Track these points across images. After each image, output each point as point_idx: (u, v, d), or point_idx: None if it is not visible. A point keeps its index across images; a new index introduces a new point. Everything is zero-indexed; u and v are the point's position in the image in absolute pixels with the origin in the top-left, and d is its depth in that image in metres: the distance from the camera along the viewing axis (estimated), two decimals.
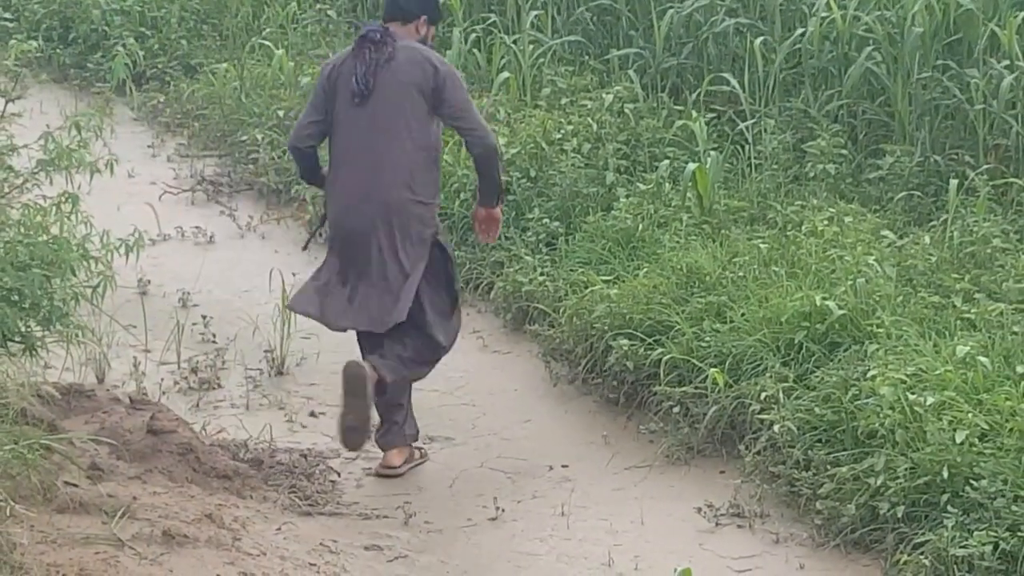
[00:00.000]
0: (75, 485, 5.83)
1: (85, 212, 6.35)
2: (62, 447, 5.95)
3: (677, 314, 7.06)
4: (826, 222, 7.66)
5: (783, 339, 6.71)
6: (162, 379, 7.35)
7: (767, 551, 5.95)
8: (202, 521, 5.85)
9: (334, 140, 6.72)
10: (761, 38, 9.31)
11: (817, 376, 6.44)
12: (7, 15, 12.99)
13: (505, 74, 9.94)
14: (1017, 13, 8.26)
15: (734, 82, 9.15)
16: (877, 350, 6.37)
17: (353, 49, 6.82)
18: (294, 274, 8.30)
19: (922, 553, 5.52)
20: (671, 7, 9.78)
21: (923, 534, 5.58)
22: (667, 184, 8.37)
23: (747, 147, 8.71)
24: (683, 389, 6.76)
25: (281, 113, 10.39)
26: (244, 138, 10.43)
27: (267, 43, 11.61)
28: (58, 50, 12.48)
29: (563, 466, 6.66)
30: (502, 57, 10.31)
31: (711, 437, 6.65)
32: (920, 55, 8.62)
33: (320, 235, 7.34)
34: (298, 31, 11.89)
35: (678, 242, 7.71)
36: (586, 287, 7.46)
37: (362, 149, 6.63)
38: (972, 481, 5.57)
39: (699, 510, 6.22)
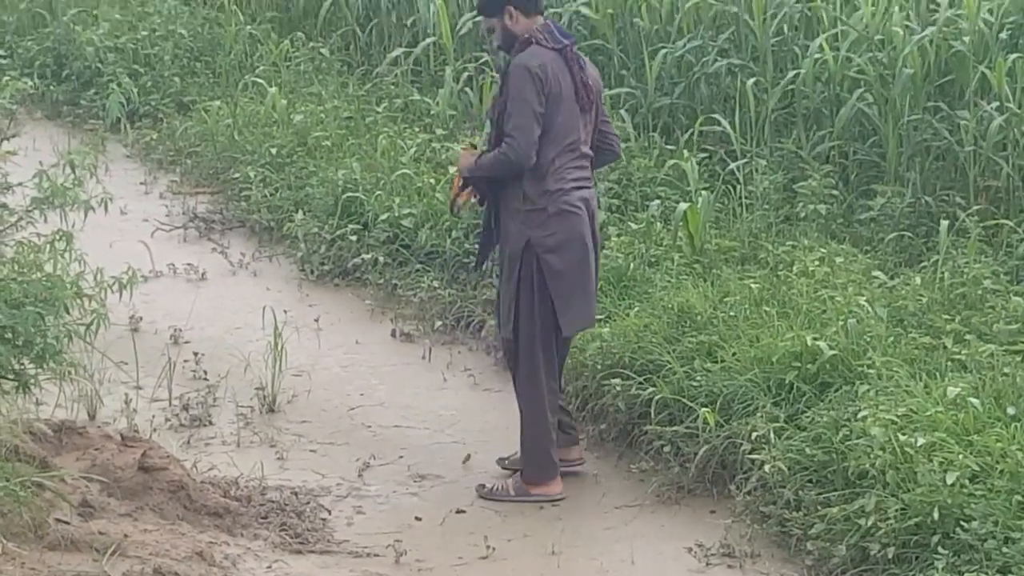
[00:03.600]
0: (66, 522, 5.83)
1: (79, 250, 6.36)
2: (53, 484, 5.96)
3: (668, 353, 7.05)
4: (817, 262, 7.68)
5: (774, 379, 6.71)
6: (153, 416, 7.32)
7: None
8: (193, 559, 5.85)
9: (556, 148, 6.50)
10: (753, 79, 9.36)
11: (808, 416, 6.43)
12: (1, 52, 13.05)
13: None
14: (1007, 56, 8.31)
15: (725, 123, 9.21)
16: (868, 391, 6.37)
17: (561, 53, 6.58)
18: (286, 311, 8.39)
19: None
20: (663, 47, 9.84)
21: (914, 575, 5.60)
22: (658, 223, 8.41)
23: (738, 187, 8.72)
24: (674, 428, 6.74)
25: (274, 151, 10.43)
26: (236, 175, 10.43)
27: (260, 81, 11.68)
28: (52, 87, 12.54)
29: (553, 505, 6.63)
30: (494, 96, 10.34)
31: (702, 477, 6.63)
32: (911, 97, 8.65)
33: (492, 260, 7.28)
34: (291, 69, 11.94)
35: (669, 281, 7.72)
36: None
37: (586, 156, 6.65)
38: (963, 522, 5.55)
39: (690, 550, 6.20)
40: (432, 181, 9.41)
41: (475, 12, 6.84)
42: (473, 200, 6.91)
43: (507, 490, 6.69)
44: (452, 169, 6.93)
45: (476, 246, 7.08)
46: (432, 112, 10.66)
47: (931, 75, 8.76)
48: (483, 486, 6.72)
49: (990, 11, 8.68)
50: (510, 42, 6.58)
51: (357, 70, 12.00)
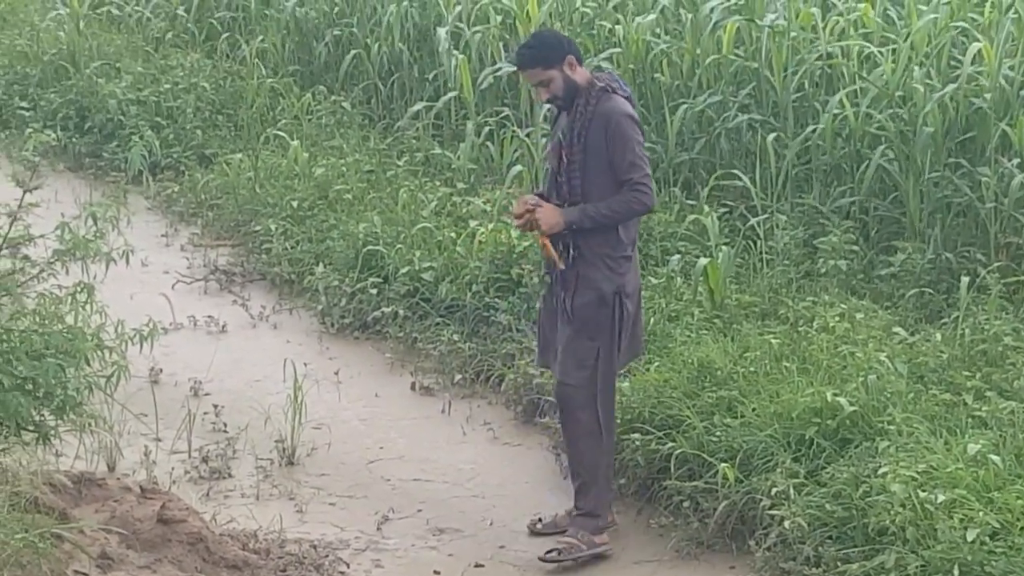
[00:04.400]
0: (85, 574, 5.85)
1: (100, 301, 6.39)
2: (72, 536, 5.97)
3: (688, 408, 7.04)
4: (837, 318, 7.67)
5: (794, 435, 6.69)
6: (173, 468, 7.33)
7: None
8: None
9: None
10: (773, 134, 9.37)
11: (828, 472, 6.41)
12: (24, 104, 13.13)
13: (518, 167, 9.99)
14: None
15: (745, 179, 9.21)
16: (888, 447, 6.35)
17: (629, 101, 6.77)
18: (306, 364, 8.40)
19: None
20: (684, 103, 9.86)
21: None
22: (678, 278, 8.42)
23: (759, 242, 8.73)
24: (693, 484, 6.73)
25: (295, 204, 10.44)
26: (257, 228, 10.46)
27: (282, 134, 11.72)
28: (74, 139, 12.56)
29: (561, 544, 6.60)
30: (515, 150, 10.39)
31: (721, 532, 6.61)
32: (932, 153, 8.66)
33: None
34: (312, 122, 11.98)
35: (689, 336, 7.72)
36: None
37: None
38: (986, 573, 5.57)
39: None
40: (452, 235, 9.42)
41: (527, 64, 6.59)
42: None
43: (578, 546, 6.54)
44: (515, 222, 6.73)
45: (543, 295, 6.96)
46: (453, 166, 10.70)
47: (952, 132, 8.78)
48: (550, 551, 6.56)
49: (1011, 68, 8.72)
50: (572, 91, 6.55)
51: (378, 123, 12.06)
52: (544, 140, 9.91)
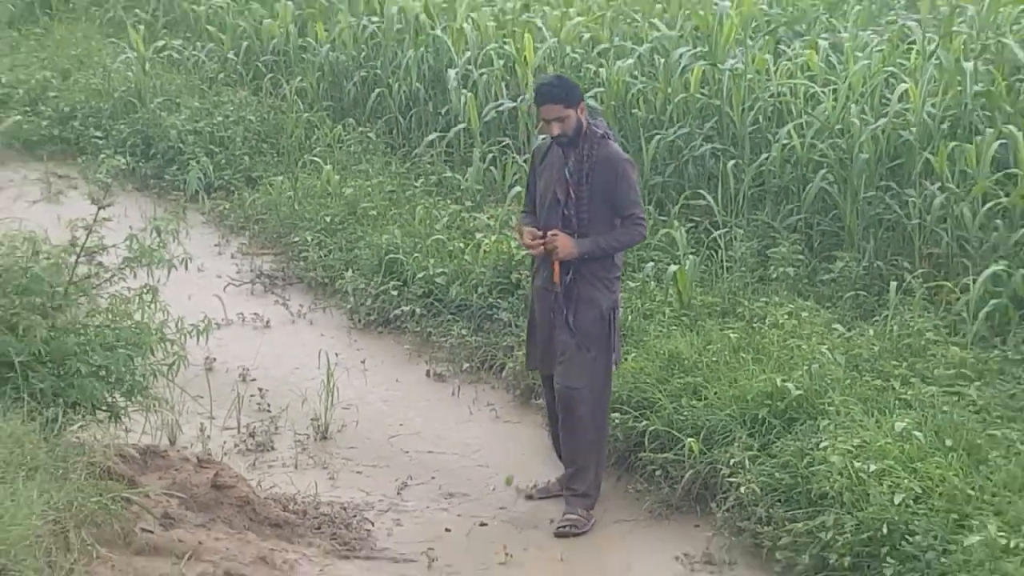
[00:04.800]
0: (150, 531, 5.86)
1: (162, 301, 6.43)
2: (139, 499, 5.97)
3: (660, 392, 7.08)
4: (786, 316, 7.71)
5: (749, 414, 6.73)
6: (224, 442, 7.36)
7: None
8: (257, 563, 5.87)
9: None
10: (732, 161, 9.39)
11: (777, 446, 6.46)
12: (98, 134, 13.10)
13: (517, 188, 9.95)
14: (947, 143, 8.34)
15: (709, 198, 9.22)
16: (828, 425, 6.40)
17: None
18: (337, 354, 8.42)
19: None
20: (657, 134, 9.85)
21: None
22: (652, 282, 8.44)
23: (720, 252, 8.74)
24: (664, 455, 6.78)
25: (328, 219, 10.44)
26: (296, 239, 10.43)
27: (316, 159, 11.66)
28: (140, 164, 12.51)
29: (566, 522, 6.60)
30: (514, 174, 10.38)
31: (687, 496, 6.67)
32: (866, 177, 8.69)
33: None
34: (343, 149, 11.93)
35: (661, 331, 7.73)
36: None
37: None
38: (907, 537, 5.59)
39: (677, 558, 6.26)
40: (461, 245, 9.43)
41: (551, 99, 6.56)
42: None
43: (581, 521, 6.57)
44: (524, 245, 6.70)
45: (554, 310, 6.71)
46: (462, 187, 10.66)
47: (883, 159, 8.80)
48: (568, 524, 6.53)
49: (933, 106, 8.71)
50: (579, 133, 6.51)
51: (399, 151, 11.99)
52: (525, 165, 10.10)
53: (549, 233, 6.45)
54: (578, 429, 6.64)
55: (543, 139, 7.01)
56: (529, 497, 6.87)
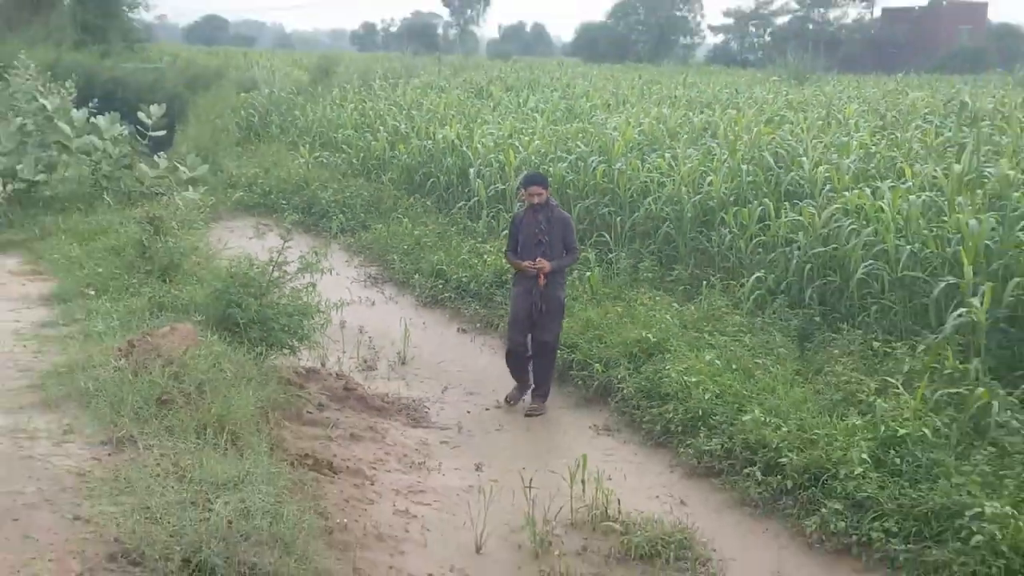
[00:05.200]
0: (311, 412, 5.89)
1: (318, 291, 6.45)
2: (304, 394, 6.02)
3: (580, 339, 7.08)
4: (647, 299, 7.71)
5: (628, 351, 6.72)
6: (351, 366, 7.32)
7: (620, 446, 5.99)
8: (367, 429, 5.91)
9: None
10: (619, 217, 9.38)
11: (643, 368, 6.46)
12: (283, 201, 13.05)
13: (504, 231, 9.80)
14: (733, 209, 8.37)
15: (607, 236, 9.25)
16: (670, 357, 6.42)
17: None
18: (409, 319, 8.33)
19: (689, 446, 5.57)
20: (580, 202, 9.82)
21: (692, 441, 5.60)
22: (577, 281, 8.36)
23: (613, 265, 8.72)
24: (583, 373, 6.79)
25: (405, 247, 10.36)
26: (388, 258, 10.38)
27: (399, 216, 11.65)
28: (305, 218, 12.35)
29: (533, 408, 6.60)
30: (503, 225, 10.26)
31: (595, 395, 6.67)
32: (690, 226, 8.69)
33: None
34: (413, 211, 11.88)
35: (582, 307, 7.71)
36: None
37: None
38: (712, 416, 5.64)
39: (590, 427, 6.27)
40: (475, 261, 9.31)
41: (537, 183, 6.51)
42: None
43: (542, 408, 6.51)
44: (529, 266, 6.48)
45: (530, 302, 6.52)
46: (476, 231, 10.62)
47: (698, 215, 8.79)
48: (534, 409, 6.45)
49: (725, 188, 8.77)
50: (546, 202, 6.44)
51: (443, 212, 11.90)
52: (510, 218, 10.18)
53: (538, 259, 6.40)
54: (548, 361, 6.57)
55: (519, 208, 6.90)
56: (506, 400, 6.71)
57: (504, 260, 7.65)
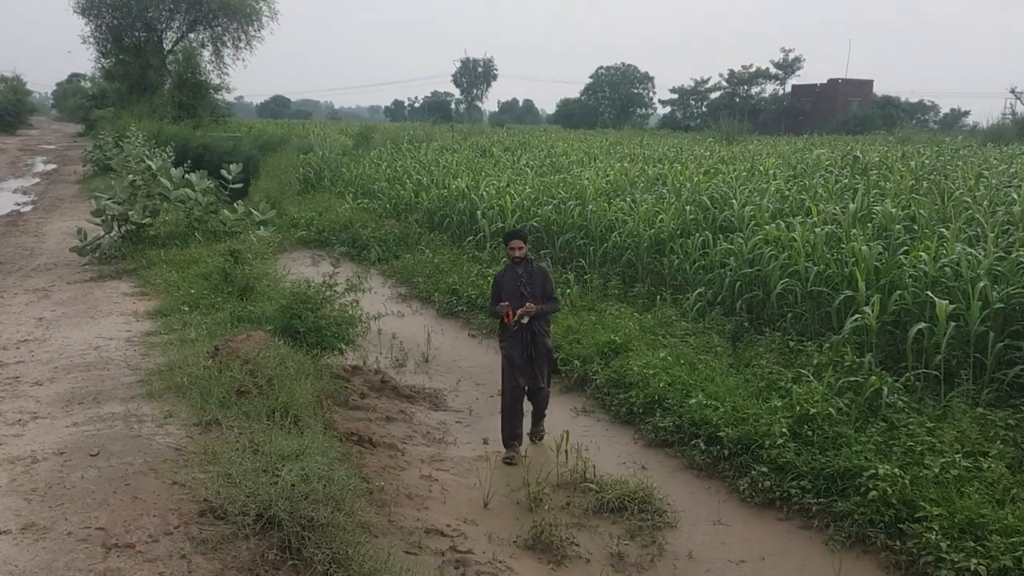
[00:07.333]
0: (355, 400, 5.85)
1: (360, 306, 6.40)
2: (350, 386, 5.97)
3: (563, 341, 7.03)
4: (614, 310, 7.68)
5: (600, 350, 6.69)
6: (386, 363, 7.25)
7: (595, 424, 5.93)
8: (399, 412, 5.86)
9: None
10: (592, 247, 9.35)
11: (612, 364, 6.43)
12: (333, 238, 12.96)
13: (505, 259, 9.87)
14: (679, 240, 8.39)
15: (584, 262, 9.21)
16: (632, 354, 6.40)
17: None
18: (431, 328, 8.28)
19: (648, 423, 5.52)
20: (560, 237, 9.79)
21: (650, 419, 5.57)
22: (561, 296, 8.38)
23: (588, 284, 8.68)
24: (566, 367, 6.71)
25: (427, 271, 10.26)
26: (415, 280, 10.31)
27: (422, 248, 11.62)
28: (350, 250, 12.33)
29: (536, 431, 6.25)
30: (503, 255, 10.24)
31: (575, 385, 6.60)
32: (647, 253, 8.68)
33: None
34: (433, 244, 11.82)
35: (564, 317, 7.66)
36: None
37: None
38: (666, 400, 5.61)
39: (571, 410, 6.20)
40: (480, 281, 9.26)
41: (517, 237, 5.43)
42: (522, 321, 5.35)
43: (543, 430, 5.55)
44: (512, 310, 5.48)
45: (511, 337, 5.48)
46: (481, 258, 10.59)
47: (653, 245, 8.76)
48: (536, 432, 5.53)
49: (674, 223, 8.78)
50: (525, 256, 5.42)
51: (457, 244, 11.85)
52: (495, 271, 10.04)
53: (527, 304, 5.32)
54: (544, 402, 5.58)
55: (503, 264, 6.02)
56: (510, 463, 5.21)
57: (488, 316, 7.30)
